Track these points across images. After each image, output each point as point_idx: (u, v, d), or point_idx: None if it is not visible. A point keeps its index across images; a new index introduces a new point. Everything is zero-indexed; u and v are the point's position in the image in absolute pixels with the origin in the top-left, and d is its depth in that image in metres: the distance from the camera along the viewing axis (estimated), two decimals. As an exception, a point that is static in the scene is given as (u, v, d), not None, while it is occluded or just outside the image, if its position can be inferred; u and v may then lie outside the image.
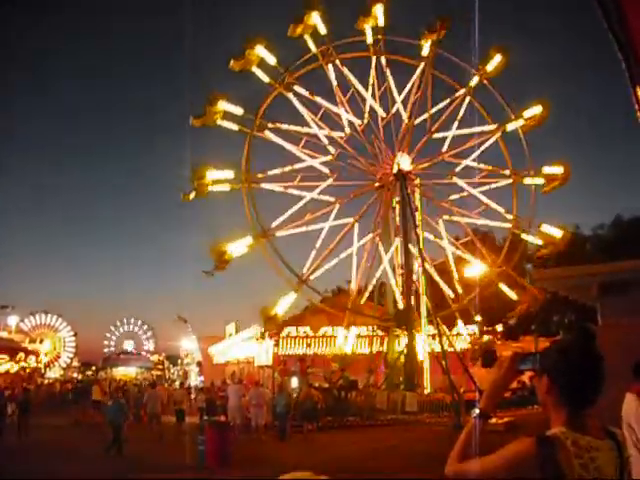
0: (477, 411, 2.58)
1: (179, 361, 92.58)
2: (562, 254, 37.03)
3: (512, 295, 36.80)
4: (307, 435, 23.29)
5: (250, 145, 32.85)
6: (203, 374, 61.41)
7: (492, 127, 38.73)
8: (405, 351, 33.50)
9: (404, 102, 37.74)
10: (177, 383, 67.45)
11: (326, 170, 35.34)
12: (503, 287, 36.93)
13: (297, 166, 34.49)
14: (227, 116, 32.67)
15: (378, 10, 35.56)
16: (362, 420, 27.28)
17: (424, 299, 34.34)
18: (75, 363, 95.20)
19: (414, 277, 35.64)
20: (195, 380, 65.60)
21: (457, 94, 38.42)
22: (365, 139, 36.64)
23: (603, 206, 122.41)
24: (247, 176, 32.31)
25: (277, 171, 34.08)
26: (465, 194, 38.46)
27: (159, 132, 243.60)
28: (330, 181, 35.19)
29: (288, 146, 34.58)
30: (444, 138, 38.39)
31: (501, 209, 38.47)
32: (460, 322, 37.11)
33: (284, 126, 34.79)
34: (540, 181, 38.10)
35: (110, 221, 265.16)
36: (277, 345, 34.99)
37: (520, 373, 2.65)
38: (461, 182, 38.16)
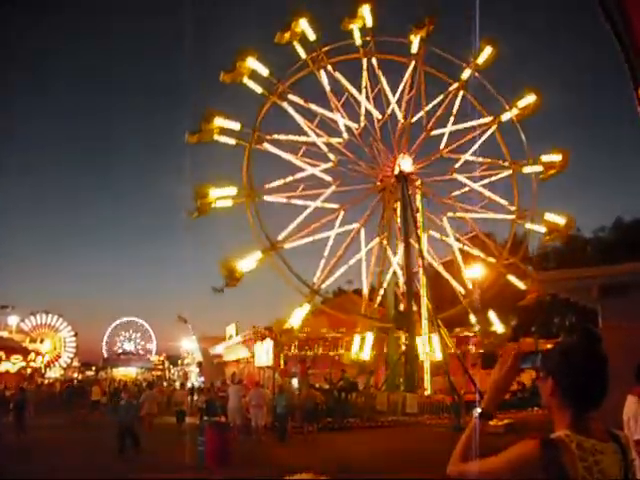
0: (479, 411, 2.57)
1: (179, 361, 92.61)
2: (564, 256, 37.04)
3: (520, 285, 36.79)
4: (307, 436, 23.28)
5: (249, 159, 32.78)
6: (203, 375, 61.44)
7: (488, 119, 38.67)
8: (405, 352, 33.54)
9: (399, 102, 37.67)
10: (177, 384, 67.42)
11: (328, 178, 35.29)
12: (511, 278, 36.98)
13: (298, 175, 34.40)
14: (224, 131, 32.59)
15: (365, 11, 35.26)
16: (362, 421, 27.26)
17: (424, 301, 34.34)
18: (75, 363, 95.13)
19: (416, 278, 35.70)
20: (195, 381, 65.61)
21: (450, 89, 38.32)
22: (363, 143, 36.63)
23: (604, 208, 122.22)
24: (249, 191, 32.20)
25: (279, 182, 33.91)
26: (467, 189, 38.44)
27: (159, 133, 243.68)
28: (333, 188, 35.14)
29: (288, 156, 34.53)
30: (442, 135, 38.42)
31: (504, 201, 38.53)
32: (473, 318, 36.86)
33: (282, 137, 34.72)
34: (539, 169, 38.12)
35: (111, 221, 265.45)
36: (277, 346, 35.02)
37: (521, 371, 2.63)
38: (461, 177, 38.12)
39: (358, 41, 36.04)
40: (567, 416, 2.38)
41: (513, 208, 38.44)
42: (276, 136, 34.35)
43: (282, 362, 34.44)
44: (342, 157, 35.77)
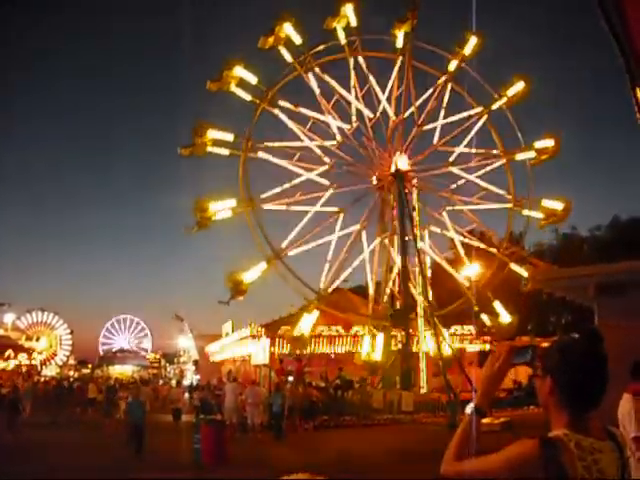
0: (472, 407, 2.55)
1: (176, 359, 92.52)
2: (560, 255, 37.03)
3: (523, 272, 36.94)
4: (303, 434, 23.30)
5: (245, 168, 32.70)
6: (199, 373, 61.38)
7: (478, 110, 38.61)
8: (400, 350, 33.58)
9: (389, 99, 37.51)
10: (174, 382, 67.37)
11: (325, 181, 35.26)
12: (514, 266, 37.11)
13: (295, 181, 34.37)
14: (217, 142, 32.49)
15: (348, 10, 34.95)
16: (358, 419, 27.29)
17: (421, 299, 34.40)
18: (71, 361, 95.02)
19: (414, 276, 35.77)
20: (192, 379, 65.54)
21: (439, 82, 38.18)
22: (357, 143, 36.56)
23: (600, 207, 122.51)
24: (248, 202, 32.11)
25: (277, 190, 33.77)
26: (463, 182, 38.42)
27: (158, 133, 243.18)
28: (330, 191, 35.09)
29: (283, 163, 34.45)
30: (435, 129, 38.34)
31: (500, 191, 38.61)
32: (485, 316, 36.95)
33: (275, 144, 34.65)
34: (532, 154, 38.11)
35: (108, 219, 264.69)
36: (274, 344, 35.06)
37: (513, 366, 2.61)
38: (457, 170, 38.02)
39: (343, 40, 35.69)
40: (565, 415, 2.37)
41: (510, 197, 38.47)
42: (269, 144, 34.30)
43: (278, 360, 34.44)
44: (337, 159, 35.74)
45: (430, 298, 35.14)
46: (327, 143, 35.40)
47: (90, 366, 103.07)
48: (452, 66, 38.29)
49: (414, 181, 36.52)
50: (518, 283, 36.52)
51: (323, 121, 35.64)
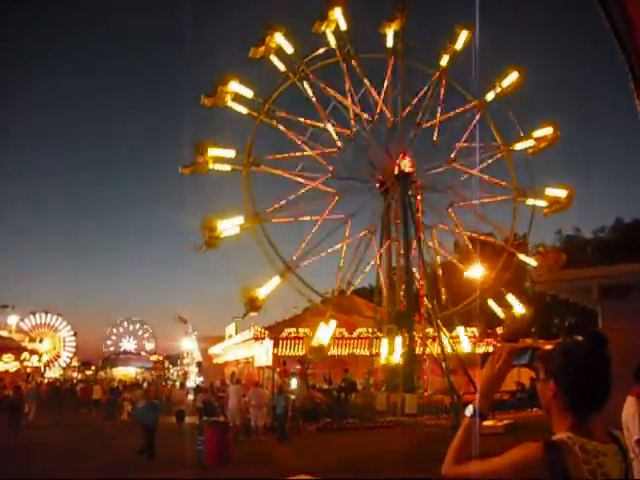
0: (471, 409, 2.53)
1: (179, 361, 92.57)
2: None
3: (531, 262, 36.99)
4: (306, 436, 23.29)
5: (248, 183, 32.44)
6: (203, 374, 61.40)
7: (474, 103, 38.29)
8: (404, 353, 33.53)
9: (385, 100, 37.07)
10: (177, 383, 67.41)
11: (329, 189, 35.11)
12: (522, 257, 37.18)
13: (300, 192, 34.03)
14: (218, 159, 32.24)
15: (337, 14, 34.32)
16: (362, 422, 27.26)
17: (425, 300, 34.41)
18: (75, 363, 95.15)
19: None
20: (195, 380, 65.54)
21: (433, 78, 37.83)
22: (358, 147, 36.33)
23: (604, 209, 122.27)
24: (254, 217, 31.91)
25: (282, 202, 33.52)
26: (466, 177, 38.25)
27: (157, 134, 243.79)
28: (336, 199, 35.03)
29: (286, 174, 34.31)
30: (433, 127, 37.99)
31: (503, 182, 38.48)
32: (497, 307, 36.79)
33: (278, 156, 34.57)
34: (531, 143, 37.91)
35: (111, 221, 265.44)
36: (277, 346, 35.06)
37: (512, 367, 2.60)
38: (458, 166, 37.85)
39: (333, 45, 35.18)
40: (569, 418, 2.36)
41: (512, 187, 38.46)
42: (271, 157, 34.21)
43: (281, 362, 34.45)
44: (339, 166, 35.47)
45: (443, 297, 35.15)
46: (328, 150, 35.17)
47: (94, 368, 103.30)
48: (444, 61, 37.82)
49: (417, 181, 36.38)
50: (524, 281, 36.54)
51: (322, 128, 35.37)
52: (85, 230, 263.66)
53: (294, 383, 31.18)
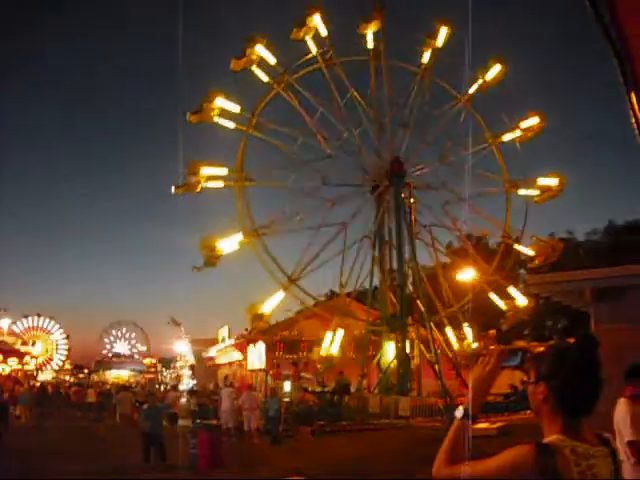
0: (461, 410, 2.53)
1: (172, 364, 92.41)
2: (555, 261, 36.91)
3: (528, 252, 37.18)
4: (300, 439, 23.27)
5: (242, 199, 32.54)
6: (196, 377, 61.32)
7: (459, 98, 38.35)
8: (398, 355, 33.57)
9: (372, 102, 36.96)
10: (170, 386, 67.26)
11: (324, 198, 35.12)
12: (519, 247, 37.40)
13: (295, 205, 34.06)
14: (212, 177, 32.32)
15: (315, 20, 33.91)
16: (355, 424, 27.25)
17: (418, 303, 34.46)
18: (68, 366, 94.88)
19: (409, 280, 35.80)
20: (188, 383, 65.44)
21: (417, 77, 37.65)
22: (349, 152, 36.27)
23: (596, 211, 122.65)
24: (253, 233, 31.95)
25: (278, 216, 33.66)
26: (457, 171, 38.27)
27: (155, 139, 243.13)
28: (331, 206, 35.02)
29: (278, 186, 34.54)
30: (421, 126, 38.08)
31: (494, 176, 38.78)
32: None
33: (269, 177, 34.88)
34: (518, 133, 37.90)
35: (104, 224, 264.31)
36: (270, 349, 35.05)
37: (503, 369, 2.60)
38: (449, 162, 37.88)
39: (314, 51, 34.87)
40: (559, 421, 2.37)
41: (504, 179, 38.63)
42: (262, 170, 34.44)
43: (274, 365, 34.44)
44: (332, 172, 35.43)
45: (446, 296, 35.29)
46: (318, 158, 35.09)
47: (86, 371, 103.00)
48: (426, 59, 37.67)
49: (410, 182, 36.36)
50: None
51: (312, 137, 35.17)
52: (77, 233, 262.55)
53: (287, 386, 31.18)
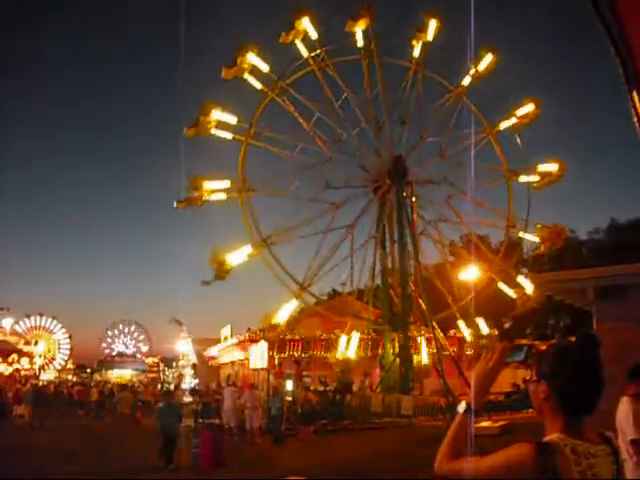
0: (464, 405, 2.53)
1: (174, 363, 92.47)
2: (559, 258, 36.96)
3: (533, 238, 37.33)
4: (302, 438, 23.28)
5: (248, 210, 32.60)
6: (198, 377, 61.35)
7: (453, 90, 38.39)
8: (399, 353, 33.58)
9: (368, 102, 36.87)
10: (172, 386, 67.33)
11: (328, 202, 35.20)
12: (525, 235, 37.54)
13: (300, 209, 34.33)
14: (214, 191, 32.34)
15: (305, 23, 33.81)
16: (357, 423, 27.25)
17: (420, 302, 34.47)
18: (70, 365, 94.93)
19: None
20: (190, 383, 65.50)
21: (410, 72, 37.60)
22: (349, 154, 36.37)
23: (599, 210, 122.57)
24: (262, 242, 32.00)
25: (286, 226, 33.76)
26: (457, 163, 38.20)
27: (157, 138, 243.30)
28: (335, 210, 35.04)
29: (282, 195, 34.58)
30: (419, 123, 38.13)
31: (494, 167, 38.99)
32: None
33: (271, 185, 34.91)
34: (514, 120, 37.99)
35: (106, 223, 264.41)
36: (272, 348, 35.05)
37: (506, 365, 2.59)
38: (447, 155, 37.94)
39: (305, 54, 34.80)
40: (560, 420, 2.36)
41: (504, 169, 38.82)
42: (264, 180, 34.46)
43: (277, 364, 34.47)
44: (333, 176, 35.46)
45: (458, 289, 35.49)
46: (319, 162, 35.05)
47: (89, 370, 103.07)
48: (416, 53, 37.55)
49: (412, 180, 36.34)
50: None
51: (310, 141, 35.12)
52: (79, 232, 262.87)
53: (289, 385, 31.20)
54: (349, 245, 35.72)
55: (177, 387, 58.05)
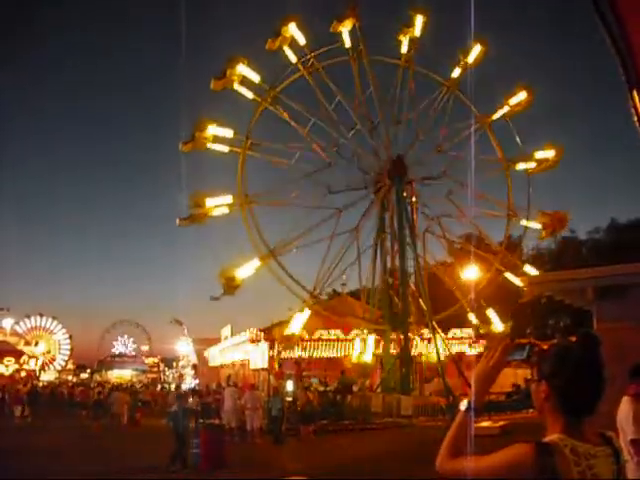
0: (465, 403, 2.52)
1: (174, 364, 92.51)
2: (559, 258, 36.97)
3: (535, 225, 37.36)
4: (302, 438, 23.27)
5: (252, 222, 32.75)
6: (198, 377, 61.34)
7: (444, 83, 38.44)
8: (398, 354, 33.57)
9: (361, 103, 36.88)
10: (172, 386, 67.37)
11: (331, 204, 35.34)
12: (525, 222, 37.62)
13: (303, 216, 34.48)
14: (216, 206, 32.46)
15: (292, 29, 33.70)
16: (357, 423, 27.24)
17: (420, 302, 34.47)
18: (70, 366, 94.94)
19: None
20: (190, 383, 65.49)
21: (400, 69, 37.63)
22: (347, 158, 36.34)
23: (598, 210, 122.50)
24: (269, 254, 32.22)
25: (293, 235, 33.93)
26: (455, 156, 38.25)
27: (158, 138, 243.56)
28: (338, 214, 35.17)
29: (285, 204, 34.73)
30: (413, 121, 38.19)
31: (491, 158, 39.13)
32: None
33: (272, 195, 35.23)
34: (508, 108, 37.99)
35: (105, 223, 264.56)
36: (272, 348, 35.00)
37: (508, 363, 2.58)
38: (444, 149, 37.95)
39: (294, 60, 34.74)
40: (561, 420, 2.36)
41: (500, 158, 38.94)
42: (264, 193, 34.63)
43: (277, 364, 34.41)
44: (333, 180, 35.59)
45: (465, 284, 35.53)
46: (320, 169, 35.14)
47: (89, 371, 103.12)
48: (404, 49, 37.51)
49: (411, 179, 36.34)
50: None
51: (307, 148, 35.18)
52: (79, 232, 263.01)
53: (290, 385, 31.18)
54: (355, 248, 35.92)
55: (177, 387, 58.01)
